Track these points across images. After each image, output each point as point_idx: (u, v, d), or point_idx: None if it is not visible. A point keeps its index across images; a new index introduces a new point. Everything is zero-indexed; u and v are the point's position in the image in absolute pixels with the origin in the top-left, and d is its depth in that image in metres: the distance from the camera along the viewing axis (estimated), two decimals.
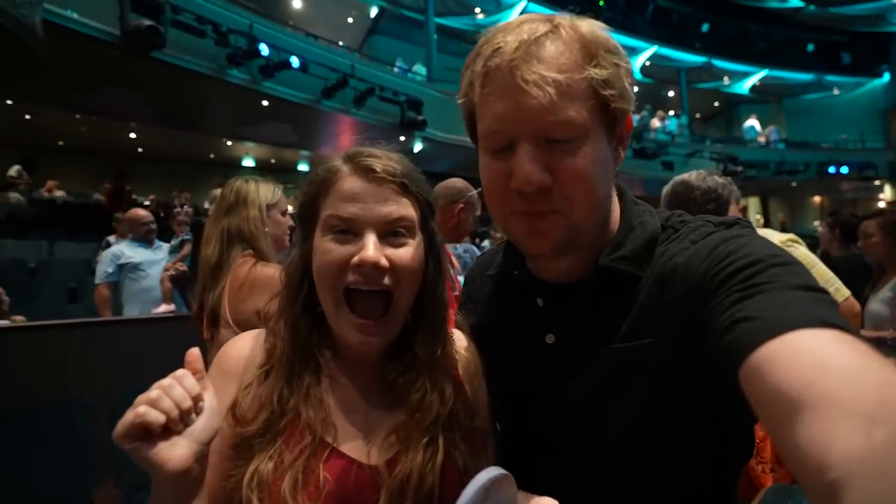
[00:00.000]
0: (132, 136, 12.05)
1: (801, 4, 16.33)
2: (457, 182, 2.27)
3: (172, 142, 11.90)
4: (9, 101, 9.26)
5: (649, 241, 0.64)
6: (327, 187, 0.67)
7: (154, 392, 0.52)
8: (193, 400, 0.54)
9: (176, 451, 0.51)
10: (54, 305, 4.51)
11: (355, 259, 0.63)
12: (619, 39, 0.60)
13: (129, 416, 0.50)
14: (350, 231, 0.65)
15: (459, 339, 0.78)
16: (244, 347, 0.71)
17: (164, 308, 3.48)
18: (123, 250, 3.61)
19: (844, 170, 15.47)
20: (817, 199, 18.40)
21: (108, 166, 12.15)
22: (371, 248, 0.63)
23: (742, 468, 0.68)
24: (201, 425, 0.54)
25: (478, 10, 13.74)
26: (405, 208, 0.67)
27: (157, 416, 0.50)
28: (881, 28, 16.71)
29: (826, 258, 3.12)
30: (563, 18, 0.59)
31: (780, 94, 18.70)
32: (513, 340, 0.72)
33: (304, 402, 0.65)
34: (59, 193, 9.31)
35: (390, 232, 0.66)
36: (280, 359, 0.67)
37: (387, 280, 0.65)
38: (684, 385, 0.58)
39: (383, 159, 0.67)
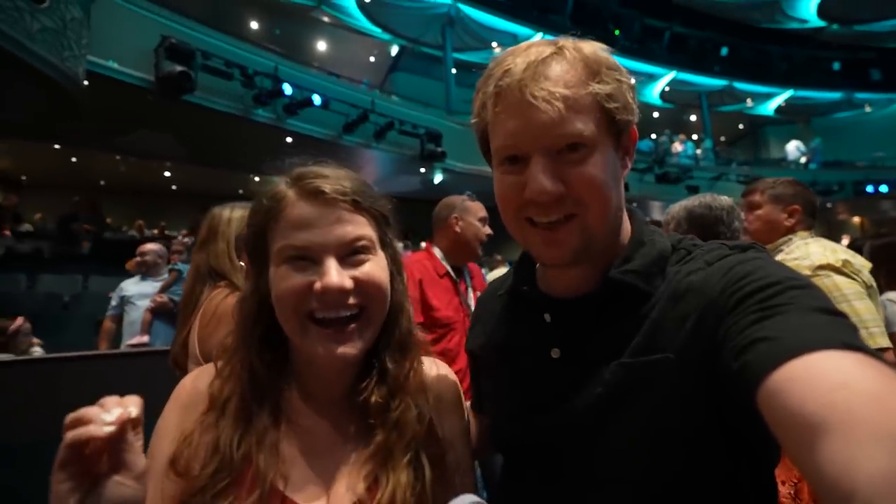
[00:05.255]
0: (166, 174, 12.71)
1: (822, 24, 16.12)
2: (451, 198, 2.11)
3: (203, 179, 12.47)
4: (56, 146, 9.96)
5: (660, 259, 0.64)
6: (275, 216, 0.63)
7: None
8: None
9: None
10: (82, 338, 4.65)
11: (318, 286, 0.60)
12: (636, 67, 0.62)
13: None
14: (308, 258, 0.61)
15: (433, 370, 0.74)
16: (202, 382, 0.66)
17: (136, 340, 3.44)
18: (126, 284, 3.72)
19: (884, 188, 14.82)
20: (856, 219, 17.60)
21: (145, 203, 12.87)
22: (333, 273, 0.60)
23: (769, 500, 0.61)
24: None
25: (494, 44, 14.11)
26: (361, 227, 0.64)
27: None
28: None
29: None
30: (567, 41, 0.62)
31: (807, 114, 18.25)
32: (520, 357, 0.71)
33: (258, 451, 0.59)
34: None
35: (350, 252, 0.63)
36: (231, 403, 0.62)
37: (352, 300, 0.62)
38: (694, 404, 0.55)
39: (331, 179, 0.63)
